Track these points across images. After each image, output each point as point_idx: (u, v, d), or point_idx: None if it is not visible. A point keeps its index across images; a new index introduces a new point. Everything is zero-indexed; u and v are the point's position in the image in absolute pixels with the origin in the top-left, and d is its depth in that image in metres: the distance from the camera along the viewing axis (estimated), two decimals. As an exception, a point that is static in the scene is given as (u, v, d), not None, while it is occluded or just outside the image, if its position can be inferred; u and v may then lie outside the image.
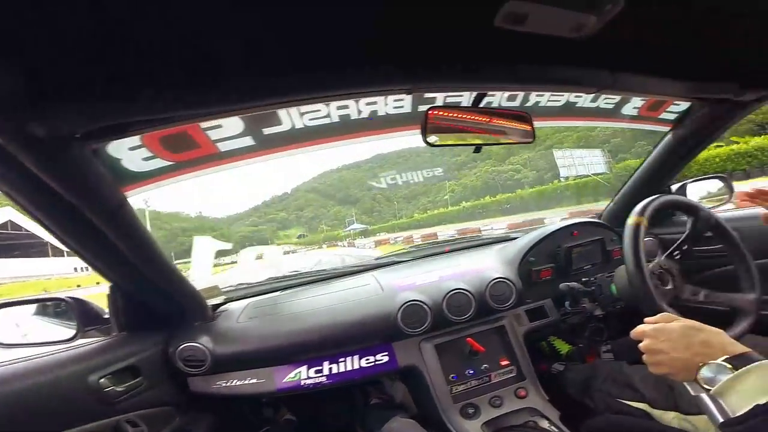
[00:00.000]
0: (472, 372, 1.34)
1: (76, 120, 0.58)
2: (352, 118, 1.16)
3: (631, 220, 1.08)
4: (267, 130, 1.06)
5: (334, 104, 1.09)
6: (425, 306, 1.30)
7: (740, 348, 0.64)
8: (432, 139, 0.91)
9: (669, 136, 1.36)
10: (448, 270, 1.48)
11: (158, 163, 0.93)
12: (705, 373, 0.64)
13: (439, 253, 1.81)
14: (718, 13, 0.74)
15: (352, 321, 1.31)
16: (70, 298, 1.11)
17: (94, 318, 1.12)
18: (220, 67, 0.61)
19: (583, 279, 1.44)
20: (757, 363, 0.59)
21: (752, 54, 0.89)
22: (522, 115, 1.00)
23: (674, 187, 1.53)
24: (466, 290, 1.34)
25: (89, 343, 1.06)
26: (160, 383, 1.15)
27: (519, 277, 1.44)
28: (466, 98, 1.09)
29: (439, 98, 1.24)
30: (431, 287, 1.38)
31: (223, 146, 1.02)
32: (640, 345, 0.75)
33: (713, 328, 0.70)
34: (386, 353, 1.32)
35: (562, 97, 1.36)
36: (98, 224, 0.78)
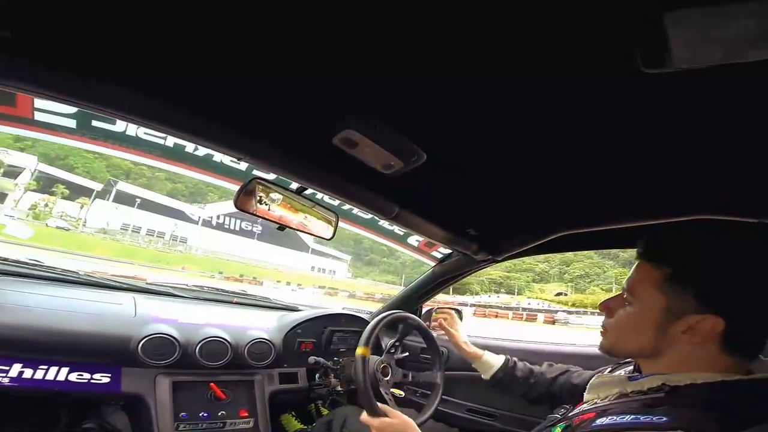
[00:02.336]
0: (205, 415, 1.34)
1: None
2: (186, 150, 1.32)
3: (358, 351, 1.22)
4: (96, 123, 1.15)
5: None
6: (176, 343, 1.30)
7: None
8: (244, 204, 1.00)
9: (431, 270, 1.77)
10: (217, 318, 1.51)
11: None
12: None
13: (223, 302, 1.81)
14: (472, 198, 1.12)
15: (76, 332, 1.21)
16: None
17: None
18: None
19: (335, 358, 1.61)
20: None
21: (483, 229, 1.32)
22: (331, 214, 1.21)
23: (425, 308, 1.88)
24: (225, 340, 1.39)
25: None
26: None
27: (282, 343, 1.55)
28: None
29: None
30: (191, 328, 1.39)
31: (41, 116, 1.07)
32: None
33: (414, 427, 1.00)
34: (109, 375, 1.23)
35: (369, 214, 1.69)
36: None
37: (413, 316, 1.45)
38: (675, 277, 0.65)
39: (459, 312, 1.82)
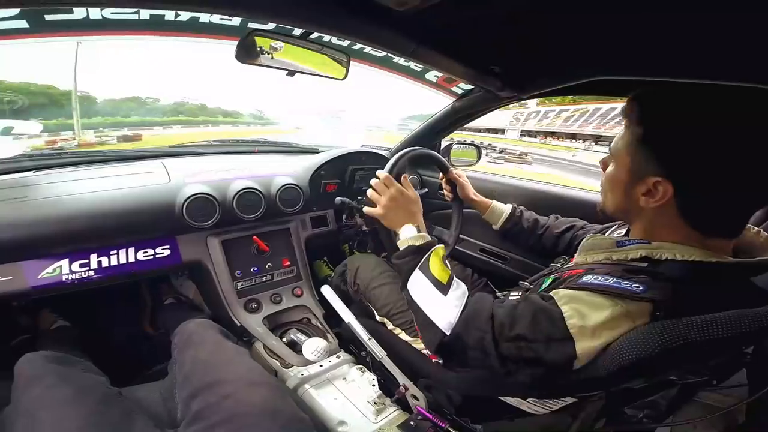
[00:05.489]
0: (256, 269, 1.41)
1: None
2: (166, 18, 1.06)
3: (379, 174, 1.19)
4: (50, 17, 0.90)
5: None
6: (214, 200, 1.28)
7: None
8: (246, 56, 0.92)
9: (450, 106, 1.67)
10: (244, 170, 1.48)
11: None
12: (404, 230, 0.95)
13: (246, 152, 1.83)
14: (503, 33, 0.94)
15: (130, 209, 1.20)
16: None
17: None
18: None
19: (359, 197, 1.65)
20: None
21: (510, 66, 1.16)
22: (342, 54, 1.08)
23: (444, 143, 1.89)
24: (258, 190, 1.37)
25: None
26: None
27: (309, 186, 1.56)
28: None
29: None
30: (223, 184, 1.36)
31: None
32: (367, 192, 1.05)
33: (418, 201, 1.02)
34: (168, 246, 1.27)
35: (382, 51, 1.45)
36: None
37: (432, 151, 1.36)
38: (643, 138, 0.67)
39: (477, 148, 1.85)
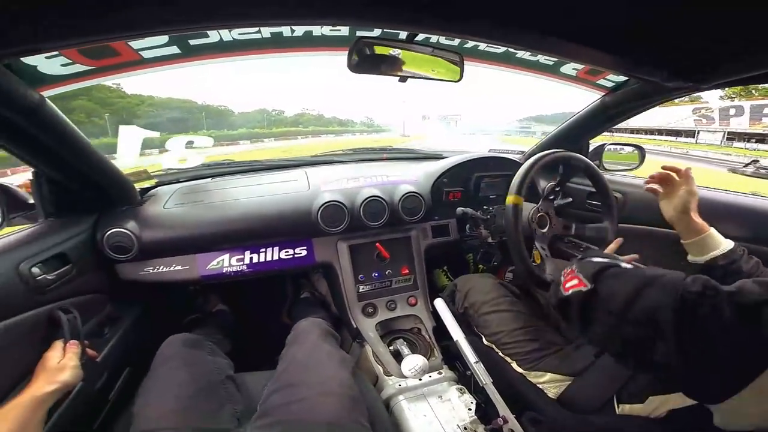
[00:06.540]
0: (377, 275, 1.46)
1: None
2: (284, 35, 1.14)
3: (508, 199, 1.12)
4: (193, 41, 1.05)
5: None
6: (344, 208, 1.35)
7: None
8: (357, 65, 0.90)
9: (598, 101, 1.40)
10: (371, 178, 1.52)
11: (77, 68, 0.92)
12: None
13: (375, 159, 1.87)
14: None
15: (276, 214, 1.34)
16: (-7, 184, 1.00)
17: (19, 204, 1.05)
18: None
19: (484, 207, 1.51)
20: None
21: (686, 48, 0.88)
22: (454, 54, 0.99)
23: (593, 145, 1.60)
24: (382, 198, 1.40)
25: (16, 231, 1.00)
26: (89, 270, 1.11)
27: (431, 195, 1.51)
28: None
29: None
30: (353, 191, 1.43)
31: (147, 53, 1.01)
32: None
33: None
34: (305, 248, 1.40)
35: (501, 47, 1.29)
36: (19, 122, 0.81)
37: (578, 155, 1.22)
38: None
39: (640, 149, 1.54)
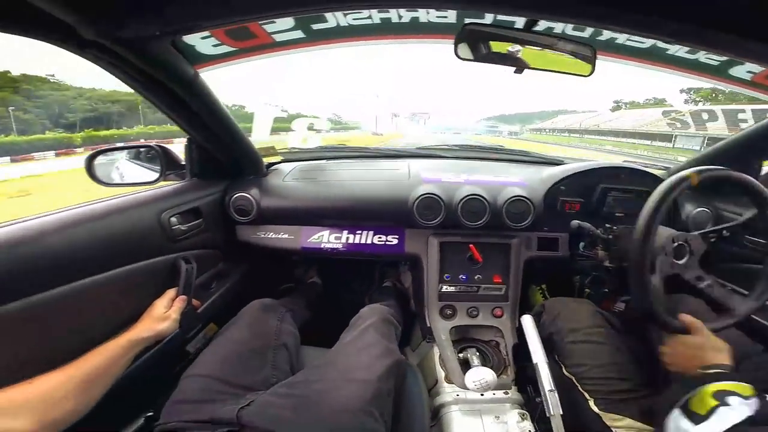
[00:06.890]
0: (464, 278, 1.39)
1: (154, 24, 0.72)
2: (393, 21, 1.23)
3: (682, 173, 0.92)
4: (315, 26, 1.20)
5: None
6: (441, 201, 1.31)
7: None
8: (465, 53, 0.85)
9: None
10: (475, 175, 1.45)
11: (224, 48, 1.13)
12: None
13: (483, 158, 1.80)
14: None
15: (375, 197, 1.38)
16: (158, 145, 1.22)
17: (174, 164, 1.26)
18: None
19: (606, 225, 1.27)
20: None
21: None
22: (583, 47, 0.88)
23: (766, 169, 1.27)
24: (484, 198, 1.31)
25: (167, 185, 1.19)
26: (214, 227, 1.27)
27: (543, 202, 1.37)
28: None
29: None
30: (453, 186, 1.37)
31: (279, 37, 1.18)
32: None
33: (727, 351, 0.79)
34: (397, 236, 1.40)
35: (648, 40, 1.08)
36: (179, 92, 0.97)
37: (748, 177, 0.96)
38: None
39: None
